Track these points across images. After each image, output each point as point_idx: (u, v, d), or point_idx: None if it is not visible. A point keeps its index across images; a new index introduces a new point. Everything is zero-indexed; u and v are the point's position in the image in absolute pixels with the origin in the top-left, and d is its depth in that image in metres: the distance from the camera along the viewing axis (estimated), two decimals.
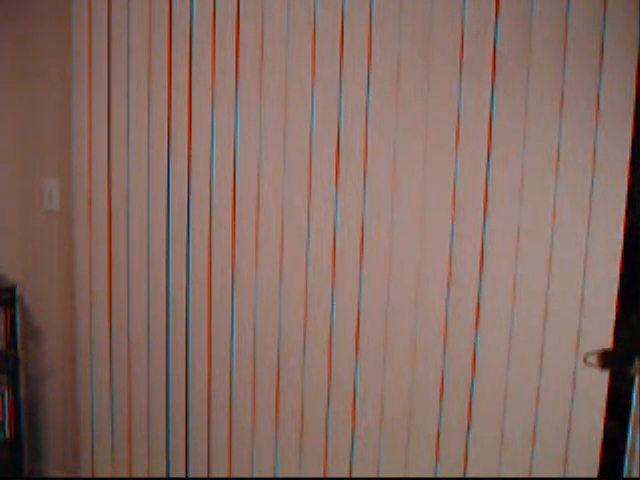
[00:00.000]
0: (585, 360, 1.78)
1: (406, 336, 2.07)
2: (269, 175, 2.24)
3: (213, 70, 2.31)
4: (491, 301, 1.93)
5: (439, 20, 1.94)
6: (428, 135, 1.98)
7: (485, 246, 1.93)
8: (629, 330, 1.86)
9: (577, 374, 1.84)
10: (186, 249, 2.44)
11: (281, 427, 2.32)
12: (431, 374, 2.04)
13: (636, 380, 1.72)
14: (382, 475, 2.15)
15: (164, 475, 2.58)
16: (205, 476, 2.49)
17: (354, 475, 2.20)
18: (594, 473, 1.83)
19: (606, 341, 1.78)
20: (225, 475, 2.45)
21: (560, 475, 1.88)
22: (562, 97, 1.80)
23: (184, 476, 2.54)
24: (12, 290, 2.66)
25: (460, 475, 2.02)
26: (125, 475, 2.67)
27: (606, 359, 1.74)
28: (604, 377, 1.80)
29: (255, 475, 2.39)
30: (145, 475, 2.62)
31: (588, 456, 1.83)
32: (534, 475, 1.92)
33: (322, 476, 2.25)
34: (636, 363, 1.70)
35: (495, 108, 1.88)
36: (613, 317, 1.77)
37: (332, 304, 2.18)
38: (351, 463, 2.20)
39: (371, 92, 2.06)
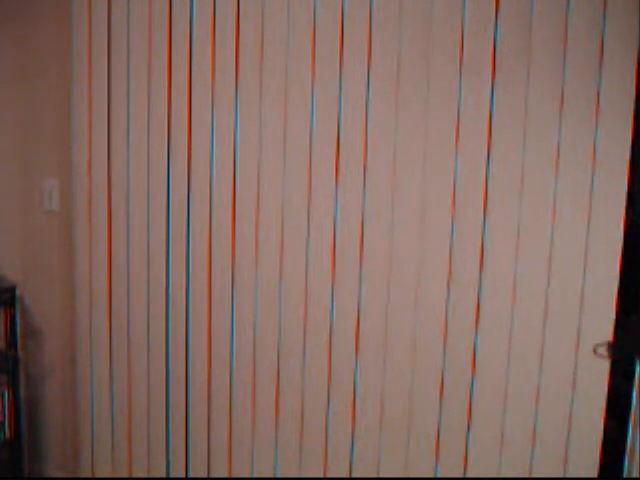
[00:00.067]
0: (595, 351, 1.78)
1: (406, 336, 2.07)
2: (269, 175, 2.24)
3: (213, 70, 2.31)
4: (491, 300, 1.93)
5: (439, 19, 1.93)
6: (428, 134, 1.98)
7: (485, 245, 1.92)
8: (629, 329, 1.85)
9: (577, 374, 1.83)
10: (186, 249, 2.44)
11: (281, 427, 2.31)
12: (431, 374, 2.04)
13: (636, 380, 1.72)
14: (382, 475, 2.15)
15: (164, 475, 2.58)
16: (205, 476, 2.49)
17: (354, 475, 2.19)
18: (594, 473, 1.83)
19: (606, 340, 1.78)
20: (225, 475, 2.44)
21: (560, 475, 1.87)
22: (562, 96, 1.80)
23: (184, 476, 2.54)
24: (12, 290, 2.66)
25: (460, 475, 2.02)
26: (125, 475, 2.67)
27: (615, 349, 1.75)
28: (604, 377, 1.80)
29: (255, 475, 2.38)
30: (145, 475, 2.62)
31: (588, 456, 1.83)
32: (534, 475, 1.91)
33: (322, 476, 2.25)
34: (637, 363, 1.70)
35: (495, 107, 1.88)
36: (613, 315, 1.77)
37: (332, 304, 2.18)
38: (351, 463, 2.20)
39: (371, 91, 2.05)
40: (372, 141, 2.07)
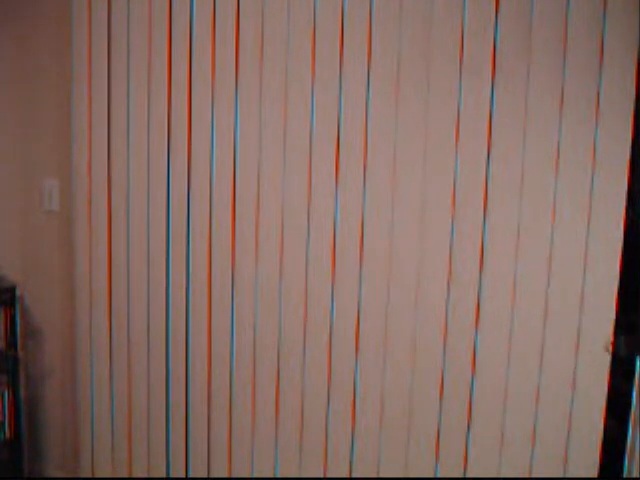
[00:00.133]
0: (607, 349, 1.77)
1: (406, 336, 2.07)
2: (269, 174, 2.24)
3: (213, 68, 2.31)
4: (491, 300, 1.92)
5: (439, 19, 1.93)
6: (428, 134, 1.98)
7: (485, 244, 1.92)
8: (629, 329, 1.85)
9: (577, 374, 1.83)
10: (186, 249, 2.44)
11: (281, 427, 2.31)
12: (431, 374, 2.04)
13: (636, 380, 1.72)
14: (382, 475, 2.15)
15: (164, 475, 2.58)
16: (205, 476, 2.49)
17: (354, 475, 2.19)
18: (594, 473, 1.82)
19: (606, 339, 1.78)
20: (225, 475, 2.44)
21: (560, 475, 1.87)
22: (562, 95, 1.80)
23: (184, 476, 2.54)
24: (12, 290, 2.66)
25: (460, 475, 2.02)
26: (125, 475, 2.66)
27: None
28: (604, 377, 1.79)
29: (255, 475, 2.38)
30: (145, 475, 2.62)
31: (588, 456, 1.83)
32: (534, 475, 1.91)
33: (322, 476, 2.25)
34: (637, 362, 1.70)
35: (495, 106, 1.88)
36: (613, 315, 1.77)
37: (332, 304, 2.18)
38: (351, 463, 2.20)
39: (371, 90, 2.05)
40: (372, 141, 2.07)
